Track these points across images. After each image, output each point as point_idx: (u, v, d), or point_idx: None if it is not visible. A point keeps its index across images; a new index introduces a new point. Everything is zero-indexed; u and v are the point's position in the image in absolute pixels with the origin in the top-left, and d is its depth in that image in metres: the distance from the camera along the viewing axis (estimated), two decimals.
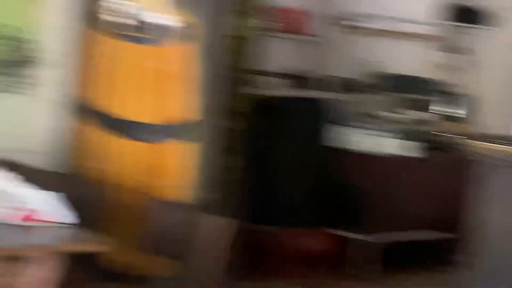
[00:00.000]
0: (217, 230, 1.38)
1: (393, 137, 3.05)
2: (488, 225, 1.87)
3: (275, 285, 2.58)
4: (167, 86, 1.94)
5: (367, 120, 3.15)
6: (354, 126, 3.10)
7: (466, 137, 2.61)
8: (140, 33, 1.92)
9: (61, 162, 1.98)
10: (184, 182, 1.92)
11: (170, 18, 1.91)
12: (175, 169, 1.94)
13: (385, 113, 3.17)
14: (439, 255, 2.94)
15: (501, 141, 1.88)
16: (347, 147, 3.07)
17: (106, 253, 1.33)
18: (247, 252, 2.24)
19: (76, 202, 1.25)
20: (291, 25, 3.28)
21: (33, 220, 1.15)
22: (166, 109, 1.94)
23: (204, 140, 1.98)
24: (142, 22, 1.90)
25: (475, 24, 3.55)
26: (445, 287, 2.65)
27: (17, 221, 1.13)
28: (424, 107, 3.33)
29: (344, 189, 2.99)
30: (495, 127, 3.11)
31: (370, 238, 2.83)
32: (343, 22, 3.37)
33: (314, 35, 3.40)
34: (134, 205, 1.77)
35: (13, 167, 1.40)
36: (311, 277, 2.69)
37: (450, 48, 3.52)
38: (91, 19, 1.99)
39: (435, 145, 3.17)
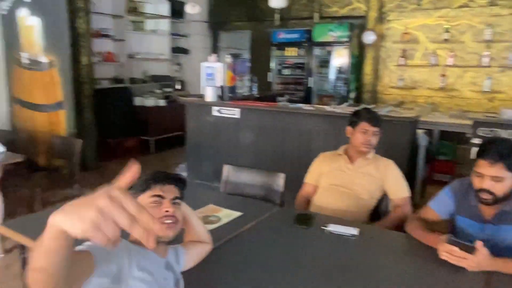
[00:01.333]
0: (78, 144, 3.88)
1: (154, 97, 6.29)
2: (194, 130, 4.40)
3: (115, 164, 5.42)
4: (49, 87, 4.40)
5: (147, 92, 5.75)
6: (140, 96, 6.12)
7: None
8: (33, 65, 4.34)
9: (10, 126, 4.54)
10: (63, 127, 4.45)
11: (43, 57, 4.31)
12: (59, 123, 4.46)
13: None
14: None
15: (193, 96, 4.34)
16: (138, 104, 6.29)
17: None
18: (101, 150, 4.95)
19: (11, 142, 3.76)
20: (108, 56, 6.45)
21: None
22: (50, 97, 4.41)
23: (68, 107, 4.46)
24: (32, 60, 4.32)
25: None
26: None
27: None
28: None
29: (140, 120, 6.24)
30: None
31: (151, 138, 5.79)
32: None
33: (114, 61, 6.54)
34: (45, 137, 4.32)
35: None
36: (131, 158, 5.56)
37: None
38: (13, 59, 4.41)
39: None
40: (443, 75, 5.96)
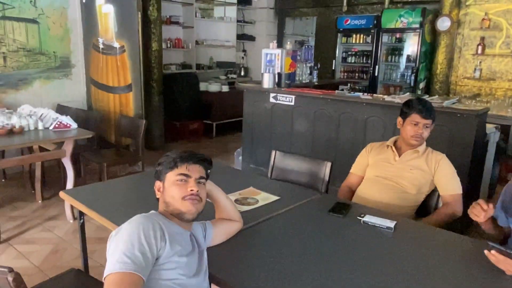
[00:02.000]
0: (142, 125, 4.20)
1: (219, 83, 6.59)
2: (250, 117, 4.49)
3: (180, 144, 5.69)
4: (120, 70, 4.74)
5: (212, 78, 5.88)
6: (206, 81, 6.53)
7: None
8: (107, 50, 4.70)
9: (86, 105, 4.98)
10: (131, 108, 4.78)
11: (116, 43, 4.65)
12: (128, 104, 4.80)
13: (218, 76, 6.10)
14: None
15: (253, 83, 4.41)
16: (203, 89, 6.62)
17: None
18: (167, 131, 5.27)
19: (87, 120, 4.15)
20: (177, 43, 6.72)
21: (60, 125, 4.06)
22: (121, 80, 4.76)
23: (136, 90, 4.78)
24: (106, 45, 4.68)
25: None
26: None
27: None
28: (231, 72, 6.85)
29: (204, 104, 6.47)
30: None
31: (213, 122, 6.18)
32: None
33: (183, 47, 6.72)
34: (116, 117, 4.70)
35: (63, 108, 4.37)
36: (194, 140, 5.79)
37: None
38: (90, 43, 4.82)
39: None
40: None
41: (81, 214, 2.08)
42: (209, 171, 1.40)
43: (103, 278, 1.11)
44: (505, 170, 4.36)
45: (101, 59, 4.79)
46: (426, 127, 2.18)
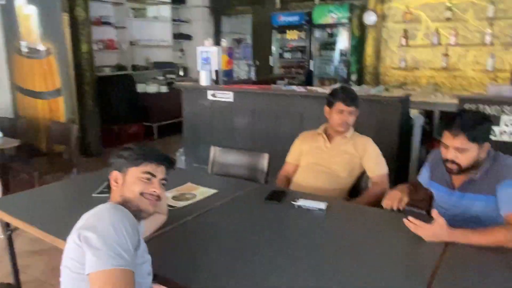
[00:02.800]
0: (75, 130, 3.99)
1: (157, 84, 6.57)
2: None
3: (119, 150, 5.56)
4: (47, 74, 4.49)
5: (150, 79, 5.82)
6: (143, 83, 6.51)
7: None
8: (32, 53, 4.43)
9: (13, 114, 4.67)
10: (62, 114, 4.55)
11: (41, 45, 4.40)
12: (58, 109, 4.57)
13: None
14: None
15: (193, 80, 4.38)
16: (141, 90, 6.47)
17: None
18: (105, 136, 5.06)
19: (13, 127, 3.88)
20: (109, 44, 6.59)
21: None
22: (49, 84, 4.51)
23: (67, 94, 4.56)
24: (30, 49, 4.41)
25: None
26: None
27: None
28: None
29: (143, 106, 6.40)
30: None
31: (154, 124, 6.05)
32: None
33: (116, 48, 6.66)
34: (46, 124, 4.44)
35: None
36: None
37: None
38: (13, 47, 4.51)
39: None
40: (446, 55, 5.85)
41: (8, 225, 1.96)
42: (170, 172, 1.40)
43: (86, 273, 1.06)
44: (431, 150, 4.71)
45: (25, 63, 4.51)
46: (351, 114, 2.31)
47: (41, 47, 4.37)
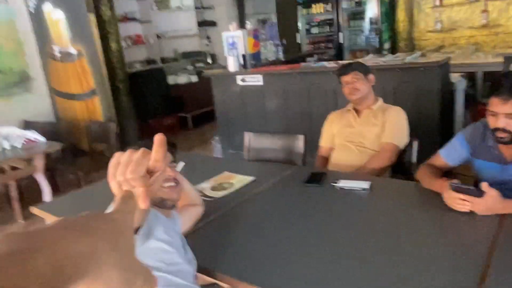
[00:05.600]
0: (113, 127, 4.11)
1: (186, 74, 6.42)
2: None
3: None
4: (81, 76, 4.62)
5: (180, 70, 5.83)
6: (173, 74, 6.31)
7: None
8: (64, 57, 4.56)
9: (54, 117, 4.85)
10: (99, 113, 4.68)
11: (72, 48, 4.51)
12: (95, 109, 4.70)
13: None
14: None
15: (219, 69, 4.34)
16: (172, 82, 6.44)
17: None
18: (142, 131, 5.16)
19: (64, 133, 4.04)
20: (137, 39, 6.53)
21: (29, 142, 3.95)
22: (84, 85, 4.64)
23: (102, 94, 4.67)
24: (63, 53, 4.54)
25: None
26: None
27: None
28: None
29: (176, 97, 6.24)
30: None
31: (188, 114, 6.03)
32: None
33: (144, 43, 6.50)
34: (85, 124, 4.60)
35: (30, 124, 4.25)
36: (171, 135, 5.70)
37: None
38: (46, 53, 4.66)
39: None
40: (485, 11, 5.45)
41: None
42: (175, 155, 1.38)
43: None
44: (476, 115, 4.45)
45: (60, 68, 4.65)
46: (354, 80, 2.25)
47: (73, 50, 4.47)
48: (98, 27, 4.69)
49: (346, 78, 2.29)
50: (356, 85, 2.26)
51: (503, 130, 1.53)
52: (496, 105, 1.52)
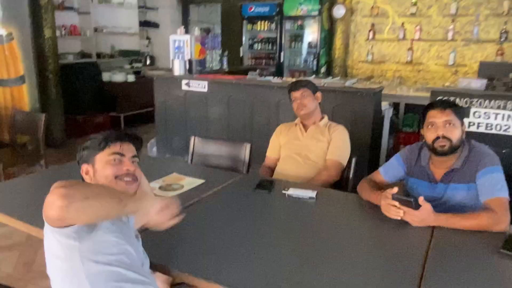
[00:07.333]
0: (41, 120, 3.78)
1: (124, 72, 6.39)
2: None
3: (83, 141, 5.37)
4: (9, 60, 4.23)
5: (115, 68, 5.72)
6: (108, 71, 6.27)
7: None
8: None
9: None
10: (26, 102, 4.32)
11: (2, 29, 4.13)
12: (22, 98, 4.32)
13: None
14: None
15: (163, 70, 4.28)
16: (107, 79, 6.26)
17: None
18: (69, 127, 4.84)
19: None
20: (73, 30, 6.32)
21: None
22: (11, 71, 4.26)
23: (30, 82, 4.33)
24: None
25: None
26: None
27: None
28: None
29: (109, 95, 6.22)
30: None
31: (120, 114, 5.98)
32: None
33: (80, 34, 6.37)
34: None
35: None
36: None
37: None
38: None
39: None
40: (410, 49, 6.07)
41: None
42: (139, 151, 1.35)
43: None
44: (398, 141, 4.91)
45: None
46: (303, 96, 2.41)
47: (2, 31, 4.10)
48: (33, 12, 4.37)
49: (296, 94, 2.43)
50: (304, 101, 2.40)
51: (443, 137, 1.69)
52: (434, 115, 1.72)
